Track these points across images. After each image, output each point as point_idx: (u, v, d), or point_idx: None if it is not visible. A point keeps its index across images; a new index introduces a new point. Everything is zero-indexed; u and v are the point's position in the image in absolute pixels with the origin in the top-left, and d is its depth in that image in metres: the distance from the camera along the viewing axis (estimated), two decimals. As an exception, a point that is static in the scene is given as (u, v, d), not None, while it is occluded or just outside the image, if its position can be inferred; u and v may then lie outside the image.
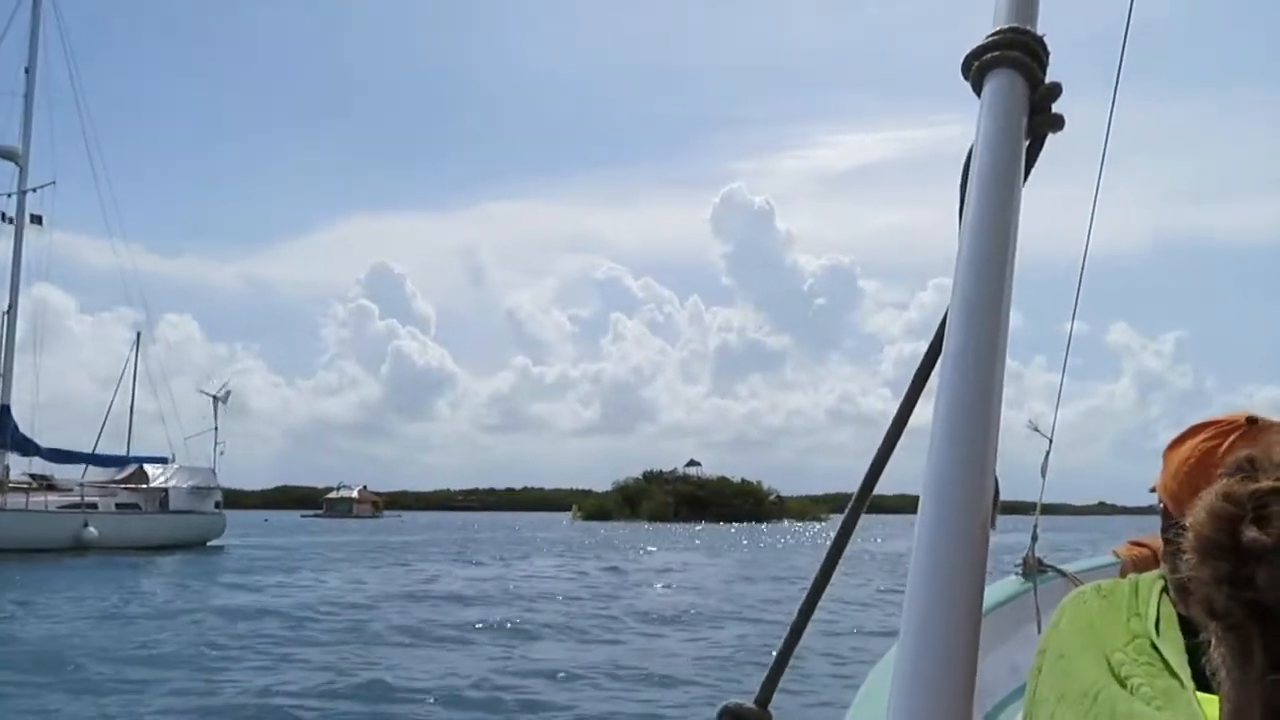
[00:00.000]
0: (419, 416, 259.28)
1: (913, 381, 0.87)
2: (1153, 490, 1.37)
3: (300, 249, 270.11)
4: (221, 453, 39.89)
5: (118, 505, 36.41)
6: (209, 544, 39.51)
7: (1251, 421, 1.27)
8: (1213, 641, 0.66)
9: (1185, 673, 0.99)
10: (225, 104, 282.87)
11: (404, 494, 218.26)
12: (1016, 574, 3.75)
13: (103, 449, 37.33)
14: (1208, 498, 0.65)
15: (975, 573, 0.60)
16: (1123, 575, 1.43)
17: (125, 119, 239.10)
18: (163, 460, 39.08)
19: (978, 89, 0.80)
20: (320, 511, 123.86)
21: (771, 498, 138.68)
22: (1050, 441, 3.68)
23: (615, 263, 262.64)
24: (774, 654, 0.97)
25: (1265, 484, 0.63)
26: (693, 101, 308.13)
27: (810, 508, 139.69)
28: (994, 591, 3.49)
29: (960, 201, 0.76)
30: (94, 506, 35.03)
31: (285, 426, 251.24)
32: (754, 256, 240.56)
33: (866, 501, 0.94)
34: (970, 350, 0.67)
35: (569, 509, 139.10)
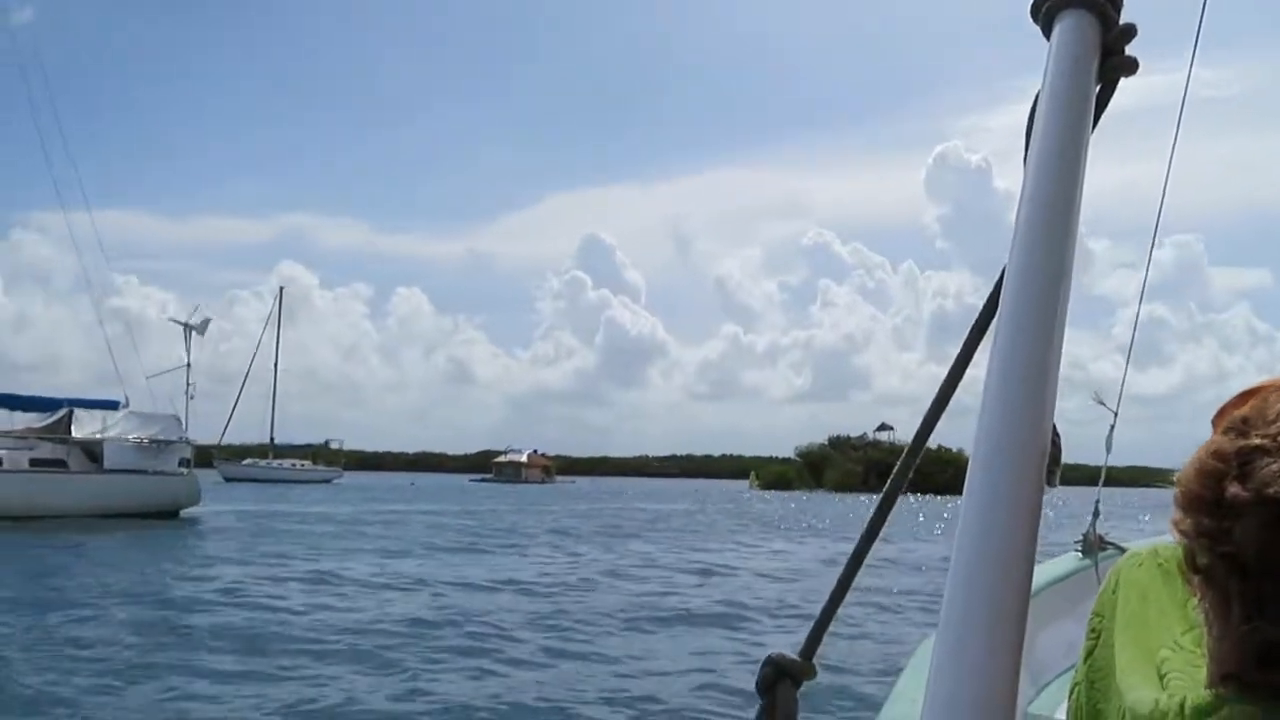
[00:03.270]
0: (632, 384, 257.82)
1: (966, 340, 0.83)
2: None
3: (516, 223, 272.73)
4: (192, 396, 31.41)
5: (32, 462, 27.70)
6: (183, 514, 30.62)
7: None
8: (1197, 597, 0.67)
9: None
10: (434, 86, 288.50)
11: (605, 459, 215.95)
12: (1076, 551, 3.65)
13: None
14: (1198, 454, 0.65)
15: (1025, 542, 0.56)
16: None
17: (350, 108, 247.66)
18: (111, 405, 30.14)
19: (1047, 32, 0.74)
20: (489, 476, 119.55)
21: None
22: (1115, 414, 3.55)
23: (823, 229, 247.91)
24: (819, 609, 0.97)
25: (1253, 440, 0.63)
26: (900, 61, 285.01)
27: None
28: (1052, 568, 3.50)
29: (1025, 151, 0.71)
30: (-2, 462, 26.94)
31: (505, 394, 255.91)
32: (971, 218, 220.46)
33: (917, 459, 0.93)
34: (1028, 307, 0.62)
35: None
